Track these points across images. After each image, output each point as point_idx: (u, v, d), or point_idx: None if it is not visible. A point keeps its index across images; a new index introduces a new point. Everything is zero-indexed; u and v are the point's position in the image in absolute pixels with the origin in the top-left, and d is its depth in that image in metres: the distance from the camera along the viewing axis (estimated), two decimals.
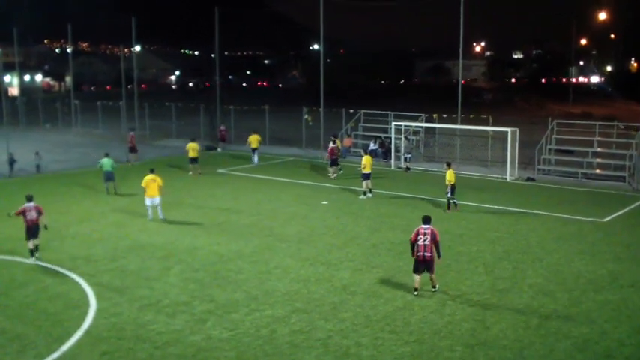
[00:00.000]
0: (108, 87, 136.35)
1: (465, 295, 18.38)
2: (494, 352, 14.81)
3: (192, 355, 14.83)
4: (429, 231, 18.02)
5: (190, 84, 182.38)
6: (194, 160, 38.21)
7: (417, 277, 18.10)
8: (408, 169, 39.55)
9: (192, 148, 38.09)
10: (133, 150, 43.46)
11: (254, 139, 42.67)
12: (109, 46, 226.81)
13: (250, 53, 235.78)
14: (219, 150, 49.53)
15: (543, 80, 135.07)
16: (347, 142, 45.82)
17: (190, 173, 38.13)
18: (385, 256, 22.00)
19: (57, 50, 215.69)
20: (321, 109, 47.37)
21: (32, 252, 21.50)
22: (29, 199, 21.70)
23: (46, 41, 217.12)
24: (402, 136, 40.75)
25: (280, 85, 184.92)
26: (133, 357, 14.76)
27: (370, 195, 31.59)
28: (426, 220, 18.42)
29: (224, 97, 55.24)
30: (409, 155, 40.52)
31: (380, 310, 17.24)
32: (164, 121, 59.83)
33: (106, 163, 32.75)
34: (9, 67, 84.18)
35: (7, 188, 35.16)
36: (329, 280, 19.70)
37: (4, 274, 20.58)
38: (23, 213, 21.39)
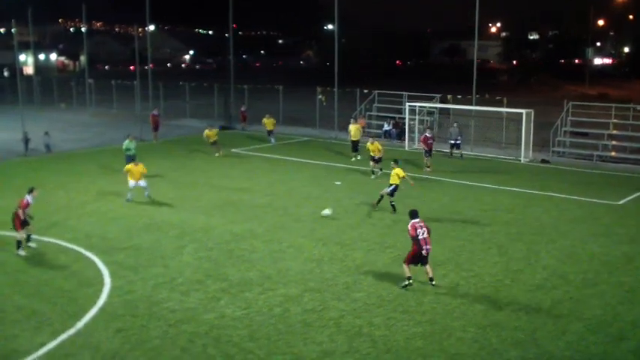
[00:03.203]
0: (131, 68, 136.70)
1: (478, 276, 18.39)
2: (507, 333, 14.83)
3: (206, 332, 14.94)
4: (423, 223, 17.61)
5: (197, 66, 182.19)
6: (215, 144, 38.02)
7: (409, 267, 17.52)
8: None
9: (211, 135, 37.96)
10: (155, 129, 43.77)
11: (269, 122, 43.01)
12: (123, 26, 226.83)
13: (264, 33, 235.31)
14: (241, 129, 49.53)
15: (562, 61, 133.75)
16: (361, 122, 45.72)
17: (217, 154, 37.82)
18: (398, 237, 21.98)
19: (71, 29, 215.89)
20: (335, 90, 47.23)
21: (21, 242, 20.92)
22: (30, 191, 21.32)
23: (60, 20, 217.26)
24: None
25: (295, 64, 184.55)
26: (147, 334, 14.90)
27: (378, 172, 31.78)
28: (414, 213, 17.74)
29: (238, 76, 55.15)
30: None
31: (393, 291, 17.29)
32: (178, 101, 59.91)
33: (128, 145, 32.37)
34: (24, 47, 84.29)
35: (22, 166, 35.41)
36: (342, 260, 19.76)
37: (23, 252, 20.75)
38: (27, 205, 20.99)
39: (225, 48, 61.93)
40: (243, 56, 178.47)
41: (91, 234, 22.65)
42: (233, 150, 40.37)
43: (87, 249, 20.95)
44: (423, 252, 17.19)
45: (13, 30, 52.45)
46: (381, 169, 31.54)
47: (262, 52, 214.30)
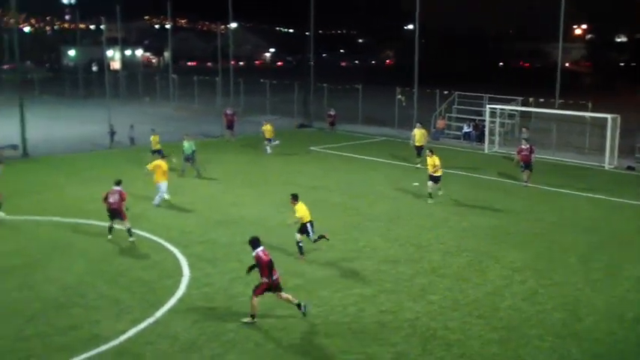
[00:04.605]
0: (208, 64, 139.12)
1: (557, 285, 17.99)
2: (587, 344, 14.47)
3: (279, 329, 15.08)
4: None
5: (279, 63, 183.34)
6: (270, 140, 38.15)
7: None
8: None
9: (268, 130, 38.17)
10: (230, 127, 44.17)
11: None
12: (206, 23, 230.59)
13: (344, 32, 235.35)
14: (329, 131, 48.10)
15: None
16: (440, 123, 45.37)
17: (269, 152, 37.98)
18: (474, 241, 21.74)
19: (156, 26, 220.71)
20: (414, 90, 46.95)
21: (110, 230, 21.58)
22: (117, 183, 21.78)
23: (146, 17, 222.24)
24: (523, 129, 37.32)
25: (374, 63, 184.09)
26: (223, 327, 15.14)
27: (438, 192, 27.31)
28: (255, 242, 15.67)
29: (317, 75, 55.40)
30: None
31: (469, 295, 17.10)
32: (258, 98, 60.57)
33: (187, 147, 31.74)
34: (111, 42, 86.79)
35: (107, 159, 36.47)
36: (418, 262, 19.64)
37: (106, 243, 21.40)
38: (106, 196, 21.47)
39: (306, 46, 62.17)
40: (323, 55, 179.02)
41: (170, 226, 23.15)
42: (311, 148, 40.57)
43: (166, 240, 21.44)
44: (274, 278, 15.42)
45: (102, 27, 54.04)
46: (439, 190, 27.28)
47: (342, 50, 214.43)
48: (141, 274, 18.54)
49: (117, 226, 21.56)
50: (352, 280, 18.04)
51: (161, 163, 26.58)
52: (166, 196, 26.67)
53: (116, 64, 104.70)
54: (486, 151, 40.12)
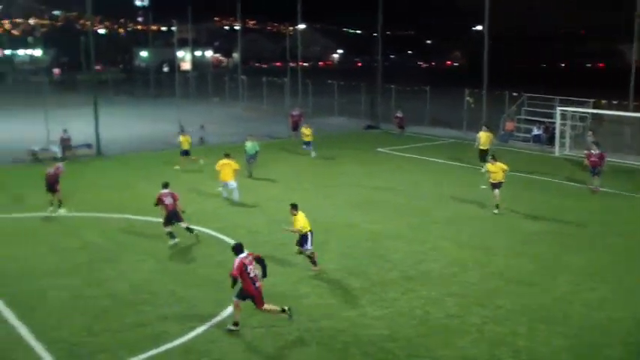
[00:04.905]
0: (277, 64, 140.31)
1: (630, 292, 17.51)
2: None
3: (346, 330, 15.11)
4: (252, 257, 15.30)
5: (358, 64, 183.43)
6: (307, 144, 37.93)
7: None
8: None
9: (307, 133, 37.92)
10: (295, 128, 44.41)
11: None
12: (275, 24, 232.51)
13: (412, 33, 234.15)
14: (398, 135, 46.76)
15: None
16: (509, 126, 44.71)
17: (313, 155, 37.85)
18: (542, 245, 21.36)
19: (226, 27, 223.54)
20: (483, 92, 46.37)
21: (172, 234, 21.49)
22: (165, 185, 21.90)
23: (216, 19, 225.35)
24: (589, 132, 36.47)
25: (442, 65, 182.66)
26: (288, 328, 15.24)
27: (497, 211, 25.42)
28: (239, 248, 15.24)
29: (385, 76, 55.28)
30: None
31: (537, 300, 16.82)
32: (326, 99, 60.74)
33: (250, 147, 32.00)
34: (182, 44, 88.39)
35: (177, 158, 37.04)
36: (485, 266, 19.41)
37: (180, 240, 21.76)
38: (160, 200, 21.55)
39: (374, 47, 62.14)
40: (391, 56, 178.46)
41: (238, 225, 23.45)
42: (378, 149, 40.52)
43: (234, 239, 21.63)
44: (258, 286, 15.00)
45: (174, 28, 55.06)
46: (497, 207, 25.39)
47: (410, 52, 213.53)
48: (208, 272, 18.83)
49: (181, 224, 21.71)
50: (418, 283, 17.95)
51: (230, 162, 26.92)
52: (225, 194, 27.29)
53: (186, 65, 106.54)
54: (557, 154, 39.32)
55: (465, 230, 23.04)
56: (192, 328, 15.13)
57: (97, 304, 16.70)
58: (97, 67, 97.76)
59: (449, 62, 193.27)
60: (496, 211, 25.20)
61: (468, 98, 48.65)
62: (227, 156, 27.41)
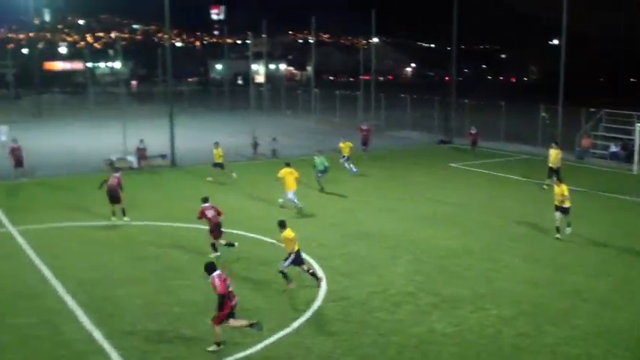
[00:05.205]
0: (350, 79, 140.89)
1: None
2: None
3: (415, 346, 14.99)
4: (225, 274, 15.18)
5: (446, 78, 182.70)
6: (347, 159, 36.93)
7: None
8: None
9: (345, 147, 36.93)
10: (364, 142, 43.74)
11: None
12: (349, 38, 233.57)
13: (487, 47, 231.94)
14: (472, 154, 44.46)
15: None
16: (585, 142, 43.70)
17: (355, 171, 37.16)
18: (620, 265, 20.77)
19: (300, 41, 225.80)
20: (559, 108, 45.49)
21: (214, 246, 21.50)
22: (205, 200, 21.90)
23: (290, 32, 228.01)
24: None
25: (516, 79, 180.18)
26: (358, 341, 15.22)
27: (566, 230, 23.72)
28: (211, 267, 14.96)
29: (459, 90, 54.84)
30: None
31: (615, 322, 16.32)
32: (399, 112, 60.59)
33: (318, 163, 31.74)
34: (257, 56, 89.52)
35: (249, 169, 37.61)
36: (559, 284, 18.98)
37: (253, 252, 22.11)
38: (203, 214, 21.56)
39: (447, 61, 61.75)
40: (465, 70, 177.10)
41: (310, 238, 23.51)
42: (451, 164, 40.18)
43: (306, 252, 21.72)
44: (233, 304, 14.85)
45: (248, 41, 55.88)
46: (568, 225, 23.78)
47: (484, 66, 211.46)
48: (281, 283, 18.95)
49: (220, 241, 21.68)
50: (490, 301, 17.66)
51: (292, 170, 27.31)
52: (281, 201, 27.94)
53: (260, 78, 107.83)
54: (635, 172, 38.25)
55: (538, 248, 22.59)
56: (262, 339, 15.23)
57: (170, 312, 17.01)
58: (173, 80, 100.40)
59: (524, 77, 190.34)
60: (558, 235, 23.51)
61: (543, 114, 47.83)
62: (288, 165, 27.79)
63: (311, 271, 19.04)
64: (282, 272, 18.43)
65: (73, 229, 25.21)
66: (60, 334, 15.74)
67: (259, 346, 14.91)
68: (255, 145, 42.39)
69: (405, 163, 40.23)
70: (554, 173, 31.68)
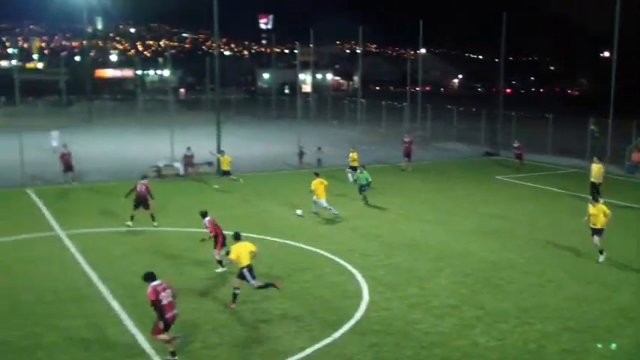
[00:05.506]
0: (395, 89, 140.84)
1: None
2: None
3: (457, 359, 14.88)
4: (166, 285, 14.75)
5: (508, 90, 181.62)
6: (353, 169, 36.33)
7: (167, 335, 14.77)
8: None
9: (353, 158, 36.92)
10: (407, 154, 43.21)
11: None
12: (396, 48, 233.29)
13: (535, 59, 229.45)
14: (517, 169, 43.57)
15: None
16: (636, 156, 42.92)
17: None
18: None
19: (347, 51, 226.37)
20: (609, 121, 44.78)
21: (221, 262, 21.02)
22: (203, 215, 21.36)
23: (337, 42, 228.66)
24: None
25: (562, 91, 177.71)
26: (400, 353, 15.16)
27: (599, 259, 22.34)
28: (150, 276, 14.72)
29: (506, 102, 54.36)
30: None
31: None
32: (445, 124, 60.27)
33: (361, 177, 31.40)
34: (304, 66, 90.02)
35: (295, 178, 37.76)
36: (606, 302, 18.64)
37: (289, 259, 22.24)
38: (215, 228, 21.01)
39: (495, 73, 61.33)
40: (513, 82, 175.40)
41: (353, 248, 23.56)
42: (497, 177, 39.83)
43: (348, 262, 21.84)
44: (168, 317, 14.54)
45: (296, 51, 56.17)
46: (601, 252, 22.35)
47: (532, 78, 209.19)
48: (322, 292, 19.00)
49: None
50: (533, 316, 17.43)
51: (322, 180, 28.20)
52: (315, 209, 28.52)
53: (307, 87, 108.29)
54: None
55: (584, 263, 22.21)
56: (303, 348, 15.28)
57: (213, 318, 17.16)
58: (220, 88, 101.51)
59: (572, 89, 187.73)
60: (601, 258, 22.24)
61: (592, 127, 47.13)
62: (317, 175, 28.90)
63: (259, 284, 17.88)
64: (260, 287, 17.67)
65: (119, 234, 25.64)
66: (106, 337, 16.02)
67: (300, 355, 14.96)
68: (301, 155, 42.61)
69: (450, 175, 40.01)
70: (596, 189, 31.29)
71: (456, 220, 28.29)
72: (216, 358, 14.89)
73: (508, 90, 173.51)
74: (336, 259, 22.24)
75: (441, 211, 30.24)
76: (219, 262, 20.91)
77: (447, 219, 28.57)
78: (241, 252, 17.48)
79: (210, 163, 40.11)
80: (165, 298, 14.50)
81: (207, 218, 21.18)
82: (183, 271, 21.00)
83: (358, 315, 17.32)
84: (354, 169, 36.00)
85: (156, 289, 14.43)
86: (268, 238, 24.66)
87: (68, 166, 35.72)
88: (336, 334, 16.09)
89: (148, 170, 37.13)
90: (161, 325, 14.47)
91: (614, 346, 15.41)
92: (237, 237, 17.94)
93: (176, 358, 14.70)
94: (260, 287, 17.77)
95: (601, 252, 22.31)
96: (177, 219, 27.73)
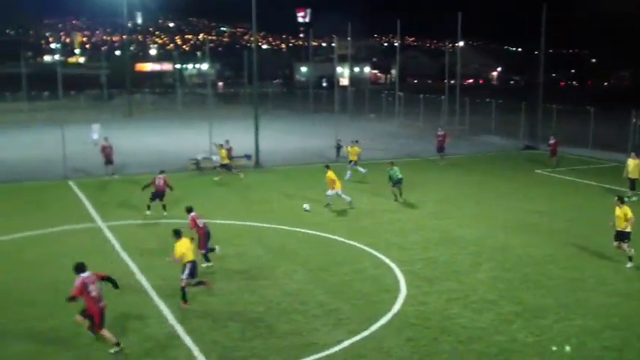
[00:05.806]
0: (431, 81, 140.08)
1: None
2: None
3: (495, 355, 14.77)
4: (95, 277, 14.81)
5: (509, 82, 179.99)
6: (354, 164, 36.26)
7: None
8: None
9: (353, 152, 36.47)
10: (439, 149, 42.82)
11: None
12: (434, 41, 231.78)
13: (576, 51, 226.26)
14: (552, 168, 41.38)
15: None
16: None
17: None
18: None
19: (385, 44, 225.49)
20: None
21: (206, 256, 20.86)
22: (189, 210, 21.09)
23: (375, 35, 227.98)
24: None
25: (598, 85, 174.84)
26: (437, 347, 15.10)
27: (627, 265, 21.05)
28: (80, 267, 14.71)
29: (546, 96, 53.65)
30: None
31: None
32: (484, 117, 59.69)
33: (393, 174, 30.92)
34: (342, 59, 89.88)
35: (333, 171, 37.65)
36: None
37: (327, 252, 22.31)
38: (195, 223, 20.77)
39: (534, 66, 60.57)
40: (553, 75, 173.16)
41: (391, 242, 23.51)
42: (537, 171, 39.38)
43: (386, 256, 21.80)
44: (99, 307, 14.65)
45: (333, 44, 56.12)
46: (630, 259, 21.10)
47: (572, 70, 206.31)
48: (360, 286, 18.99)
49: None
50: (574, 311, 17.22)
51: (332, 172, 28.82)
52: (329, 201, 28.70)
53: (345, 81, 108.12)
54: None
55: (625, 259, 21.83)
56: (341, 341, 15.30)
57: (251, 310, 17.27)
58: (259, 82, 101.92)
59: (609, 81, 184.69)
60: (629, 264, 20.94)
61: (634, 120, 46.32)
62: (328, 167, 29.63)
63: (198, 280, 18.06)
64: (182, 288, 17.48)
65: (158, 226, 25.89)
66: (146, 327, 16.22)
67: (337, 348, 14.98)
68: (338, 148, 42.54)
69: (489, 168, 39.66)
70: (632, 184, 30.91)
71: (494, 214, 28.05)
72: (253, 349, 14.97)
73: (562, 83, 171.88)
74: (374, 252, 22.23)
75: (479, 205, 30.00)
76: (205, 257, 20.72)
77: (485, 213, 28.35)
78: (185, 248, 17.52)
79: (248, 156, 40.30)
80: (93, 290, 14.56)
81: (192, 214, 21.01)
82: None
83: (396, 309, 17.29)
84: (353, 163, 36.17)
85: (84, 282, 14.47)
86: (306, 230, 24.74)
87: (109, 159, 36.20)
88: (374, 328, 16.08)
89: (187, 163, 37.45)
90: (98, 319, 14.63)
91: None
92: (177, 234, 17.84)
93: (122, 347, 14.80)
94: (196, 285, 17.93)
95: (630, 258, 20.97)
96: (216, 212, 27.88)
